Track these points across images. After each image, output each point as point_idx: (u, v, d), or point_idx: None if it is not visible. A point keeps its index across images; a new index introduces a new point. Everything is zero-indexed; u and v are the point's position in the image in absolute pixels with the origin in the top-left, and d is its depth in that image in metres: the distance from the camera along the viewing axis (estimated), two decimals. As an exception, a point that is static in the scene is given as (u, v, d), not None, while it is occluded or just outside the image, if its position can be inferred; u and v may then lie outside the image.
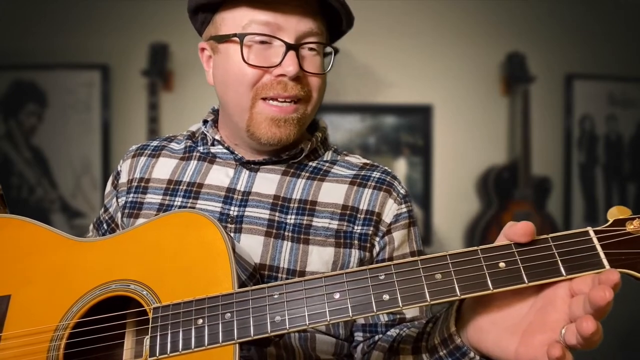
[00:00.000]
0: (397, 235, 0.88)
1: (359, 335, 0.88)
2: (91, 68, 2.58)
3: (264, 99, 0.82)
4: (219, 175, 0.89)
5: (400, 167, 2.76)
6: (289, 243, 0.83)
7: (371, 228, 0.86)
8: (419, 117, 2.75)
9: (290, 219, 0.84)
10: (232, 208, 0.85)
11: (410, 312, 0.87)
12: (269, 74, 0.81)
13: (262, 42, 0.81)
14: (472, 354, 0.62)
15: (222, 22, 0.84)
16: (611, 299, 0.48)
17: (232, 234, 0.83)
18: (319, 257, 0.83)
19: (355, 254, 0.85)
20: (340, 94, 2.68)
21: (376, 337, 0.86)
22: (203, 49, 0.90)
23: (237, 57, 0.81)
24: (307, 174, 0.89)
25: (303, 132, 0.93)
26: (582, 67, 2.81)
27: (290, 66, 0.79)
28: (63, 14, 2.57)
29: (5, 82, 2.59)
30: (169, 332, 0.62)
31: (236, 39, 0.81)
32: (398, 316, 0.87)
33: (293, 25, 0.80)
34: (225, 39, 0.83)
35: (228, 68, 0.83)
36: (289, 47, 0.80)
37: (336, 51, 0.88)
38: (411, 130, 2.76)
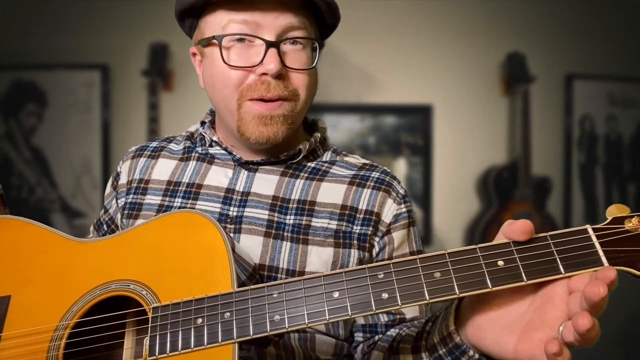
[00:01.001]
0: (397, 235, 0.88)
1: (359, 336, 0.88)
2: (91, 68, 2.59)
3: (251, 99, 0.81)
4: (218, 176, 0.89)
5: (400, 167, 2.76)
6: (288, 243, 0.83)
7: (370, 228, 0.86)
8: (419, 117, 2.75)
9: (289, 219, 0.84)
10: (232, 208, 0.85)
11: (411, 312, 0.87)
12: (253, 74, 0.81)
13: (242, 41, 0.80)
14: (471, 352, 0.62)
15: (205, 26, 0.84)
16: (605, 295, 0.49)
17: (231, 235, 0.83)
18: (318, 258, 0.83)
19: (354, 254, 0.85)
20: (340, 94, 2.68)
21: (376, 338, 0.86)
22: (194, 54, 0.90)
23: (220, 59, 0.81)
24: (306, 175, 0.89)
25: (302, 133, 0.93)
26: (582, 67, 2.81)
27: (271, 64, 0.78)
28: (63, 14, 2.57)
29: (5, 82, 2.59)
30: (169, 331, 0.62)
31: (215, 41, 0.81)
32: (398, 316, 0.87)
33: (272, 22, 0.79)
34: (207, 42, 0.83)
35: (213, 71, 0.83)
36: (269, 44, 0.79)
37: (321, 46, 0.86)
38: (411, 130, 2.76)
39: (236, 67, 0.80)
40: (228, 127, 0.87)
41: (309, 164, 0.91)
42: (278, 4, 0.79)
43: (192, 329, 0.61)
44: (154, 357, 0.61)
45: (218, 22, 0.81)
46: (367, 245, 0.86)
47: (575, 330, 0.50)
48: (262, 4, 0.79)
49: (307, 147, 0.90)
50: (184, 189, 0.89)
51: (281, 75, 0.80)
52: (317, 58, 0.85)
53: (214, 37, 0.81)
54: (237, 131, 0.84)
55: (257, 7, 0.79)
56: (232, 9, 0.80)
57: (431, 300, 0.56)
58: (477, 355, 0.62)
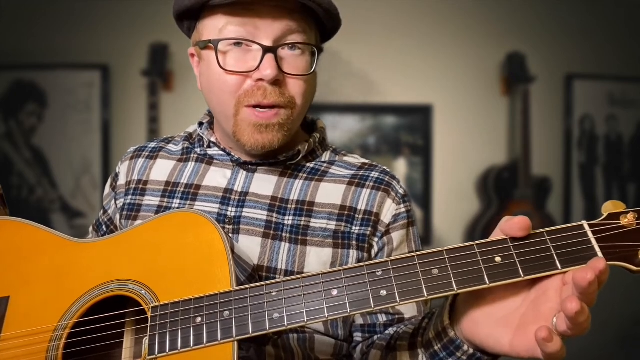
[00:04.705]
0: (396, 235, 0.88)
1: (358, 336, 0.88)
2: (91, 68, 2.59)
3: (248, 106, 0.80)
4: (217, 177, 0.89)
5: (400, 167, 2.76)
6: (287, 244, 0.83)
7: (369, 228, 0.86)
8: (419, 117, 2.75)
9: (288, 220, 0.84)
10: (230, 209, 0.85)
11: (409, 312, 0.87)
12: (249, 79, 0.79)
13: (239, 45, 0.79)
14: (465, 347, 0.63)
15: (203, 28, 0.83)
16: (593, 280, 0.49)
17: (230, 235, 0.83)
18: (317, 258, 0.83)
19: (353, 254, 0.84)
20: (341, 94, 2.68)
21: (375, 337, 0.86)
22: (193, 55, 0.89)
23: (216, 63, 0.80)
24: (305, 175, 0.89)
25: (301, 133, 0.93)
26: (582, 67, 2.81)
27: (268, 69, 0.77)
28: (63, 14, 2.57)
29: (5, 82, 2.59)
30: (168, 330, 0.62)
31: (212, 45, 0.80)
32: (397, 316, 0.86)
33: (269, 26, 0.78)
34: (204, 45, 0.82)
35: (210, 75, 0.82)
36: (266, 49, 0.78)
37: (320, 51, 0.85)
38: (411, 130, 2.77)
39: (232, 72, 0.79)
40: (225, 131, 0.87)
41: (308, 164, 0.91)
42: (276, 9, 0.78)
43: (192, 328, 0.61)
44: (154, 357, 0.61)
45: (215, 25, 0.80)
46: (366, 245, 0.86)
47: (565, 315, 0.50)
48: (260, 8, 0.78)
49: (306, 147, 0.90)
50: (182, 189, 0.88)
51: (278, 82, 0.79)
52: (315, 64, 0.83)
53: (210, 41, 0.80)
54: (232, 136, 0.83)
55: (254, 11, 0.78)
56: (230, 13, 0.79)
57: (429, 297, 0.57)
58: (471, 350, 0.62)
